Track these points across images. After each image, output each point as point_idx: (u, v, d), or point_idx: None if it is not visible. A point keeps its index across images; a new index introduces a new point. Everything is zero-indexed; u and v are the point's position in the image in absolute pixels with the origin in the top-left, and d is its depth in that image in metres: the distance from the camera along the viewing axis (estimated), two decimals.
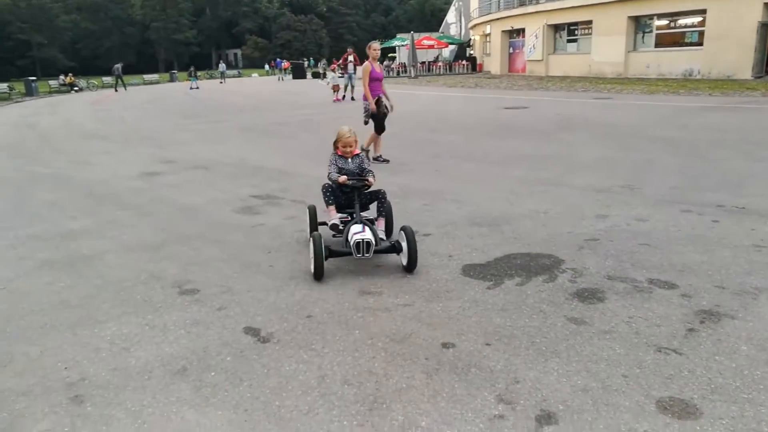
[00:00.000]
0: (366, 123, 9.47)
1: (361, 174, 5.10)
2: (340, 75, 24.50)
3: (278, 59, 64.16)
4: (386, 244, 4.72)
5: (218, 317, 3.96)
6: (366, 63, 9.39)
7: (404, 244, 4.51)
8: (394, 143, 11.44)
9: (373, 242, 4.44)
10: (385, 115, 9.41)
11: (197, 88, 38.97)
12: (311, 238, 4.48)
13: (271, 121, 16.87)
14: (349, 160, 5.16)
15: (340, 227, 4.90)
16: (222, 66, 56.15)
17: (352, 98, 22.96)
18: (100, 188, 8.37)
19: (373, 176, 5.02)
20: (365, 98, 9.38)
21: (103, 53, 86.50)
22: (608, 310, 3.88)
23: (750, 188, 7.00)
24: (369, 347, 3.48)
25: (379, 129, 9.49)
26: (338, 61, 26.97)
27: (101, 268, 5.02)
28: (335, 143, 5.21)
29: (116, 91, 40.61)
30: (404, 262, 4.57)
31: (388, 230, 5.31)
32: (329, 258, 4.48)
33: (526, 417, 2.78)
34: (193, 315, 4.01)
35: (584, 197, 6.87)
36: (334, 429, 2.73)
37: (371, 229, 4.57)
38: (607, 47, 30.15)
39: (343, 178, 4.90)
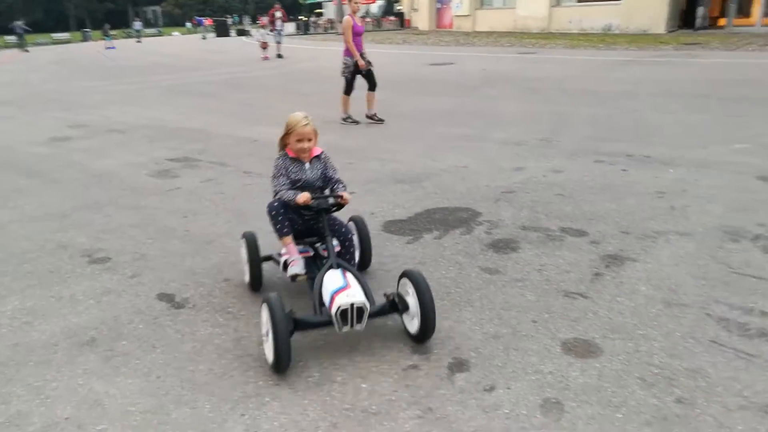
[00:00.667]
0: (347, 78, 9.03)
1: (325, 186, 3.50)
2: (269, 32, 23.60)
3: (199, 17, 61.20)
4: (383, 301, 3.08)
5: (131, 285, 3.83)
6: (347, 17, 9.06)
7: (411, 300, 2.98)
8: (322, 101, 11.27)
9: (367, 306, 2.84)
10: (369, 71, 9.02)
11: (113, 47, 36.78)
12: (264, 303, 2.83)
13: (193, 81, 16.19)
14: (306, 165, 3.44)
15: (302, 274, 3.36)
16: (137, 24, 52.91)
17: (279, 55, 22.31)
18: (2, 155, 7.83)
19: (345, 187, 3.48)
20: (347, 53, 8.92)
21: (5, 9, 79.92)
22: (521, 259, 4.01)
23: (657, 138, 7.34)
24: (287, 307, 3.45)
25: (350, 89, 9.08)
26: (266, 17, 25.81)
27: (2, 239, 4.73)
28: (283, 139, 3.45)
29: (27, 51, 37.84)
30: (412, 328, 3.00)
31: (364, 262, 3.80)
32: (295, 332, 2.85)
33: (439, 366, 2.86)
34: (104, 284, 3.86)
35: (503, 151, 7.01)
36: (250, 390, 2.72)
37: (358, 279, 3.01)
38: (532, 2, 30.47)
39: (304, 197, 3.20)
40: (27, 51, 37.59)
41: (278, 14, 22.98)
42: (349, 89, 9.13)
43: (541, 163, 6.38)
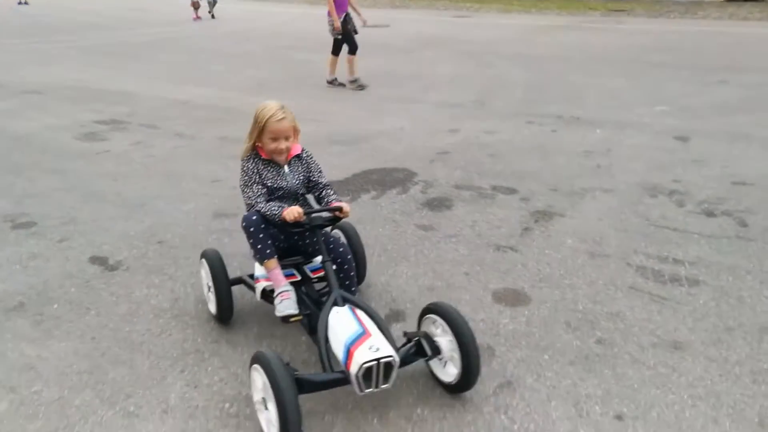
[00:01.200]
0: (336, 38, 8.60)
1: (307, 193, 2.84)
2: None
3: None
4: (405, 345, 2.41)
5: (60, 249, 3.71)
6: None
7: (443, 341, 2.37)
8: (255, 62, 11.00)
9: (397, 360, 2.14)
10: (352, 33, 8.63)
11: (26, 3, 34.25)
12: (256, 365, 2.14)
13: (115, 41, 15.37)
14: (285, 169, 2.73)
15: (296, 314, 2.58)
16: None
17: (212, 16, 21.40)
18: None
19: (336, 194, 2.82)
20: (330, 14, 8.46)
21: None
22: (454, 216, 4.14)
23: (586, 100, 7.62)
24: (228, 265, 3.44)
25: (338, 49, 8.72)
26: None
27: None
28: (251, 135, 2.67)
29: None
30: (446, 375, 2.39)
31: (360, 275, 3.04)
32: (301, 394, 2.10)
33: None
34: (30, 249, 3.72)
35: (439, 113, 7.11)
36: (188, 347, 2.73)
37: (373, 318, 2.34)
38: None
39: (293, 213, 2.48)
40: None
41: None
42: (336, 50, 8.77)
43: (475, 125, 6.51)
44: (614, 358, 2.62)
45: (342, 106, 7.59)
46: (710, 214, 4.12)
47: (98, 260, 3.57)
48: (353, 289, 2.74)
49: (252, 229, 2.55)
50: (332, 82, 8.91)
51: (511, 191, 4.58)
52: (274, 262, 2.62)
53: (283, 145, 2.64)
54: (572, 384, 2.46)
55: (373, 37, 15.25)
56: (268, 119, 2.58)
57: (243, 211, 2.74)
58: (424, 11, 23.24)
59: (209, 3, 21.73)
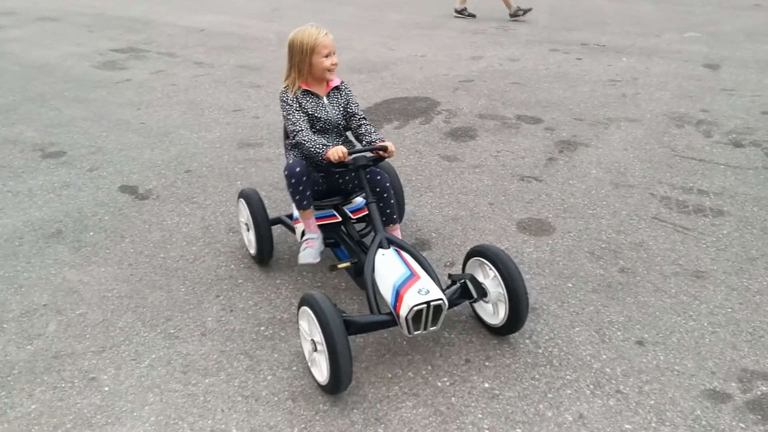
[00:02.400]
0: None
1: (348, 126, 2.71)
2: None
3: None
4: (450, 287, 2.36)
5: (90, 178, 3.79)
6: None
7: (491, 284, 2.32)
8: None
9: (445, 303, 2.11)
10: None
11: None
12: (304, 306, 2.12)
13: None
14: (325, 100, 2.64)
15: (312, 262, 2.60)
16: None
17: None
18: None
19: (374, 128, 2.70)
20: None
21: None
22: (478, 146, 4.13)
23: (611, 26, 7.37)
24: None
25: None
26: None
27: None
28: (296, 66, 2.58)
29: None
30: (493, 318, 2.37)
31: (399, 213, 2.86)
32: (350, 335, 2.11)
33: None
34: (62, 178, 3.80)
35: (461, 39, 6.94)
36: (222, 273, 2.83)
37: (419, 260, 2.33)
38: None
39: (338, 153, 2.39)
40: None
41: None
42: None
43: (498, 52, 6.36)
44: (636, 287, 2.68)
45: (359, 32, 7.43)
46: (738, 144, 4.06)
47: (128, 189, 3.64)
48: (393, 217, 2.68)
49: (293, 180, 2.48)
50: (462, 12, 8.16)
51: (536, 121, 4.53)
52: (310, 212, 2.60)
53: (336, 59, 2.59)
54: (595, 311, 2.53)
55: None
56: (317, 38, 2.51)
57: (267, 141, 2.78)
58: None
59: None
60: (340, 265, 2.49)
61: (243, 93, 5.22)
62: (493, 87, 5.28)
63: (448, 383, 2.16)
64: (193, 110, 4.87)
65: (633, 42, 6.61)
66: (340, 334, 1.96)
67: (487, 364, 2.25)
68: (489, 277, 2.33)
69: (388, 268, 2.25)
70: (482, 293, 2.35)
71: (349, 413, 2.04)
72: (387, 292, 2.20)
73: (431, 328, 2.14)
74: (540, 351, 2.31)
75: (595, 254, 2.92)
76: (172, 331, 2.46)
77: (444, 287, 2.28)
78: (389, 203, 2.65)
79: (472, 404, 2.06)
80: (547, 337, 2.38)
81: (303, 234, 2.66)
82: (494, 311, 2.36)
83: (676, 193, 3.47)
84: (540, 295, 2.64)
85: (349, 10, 8.77)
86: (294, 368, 2.24)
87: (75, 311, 2.59)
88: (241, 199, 2.86)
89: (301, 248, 2.61)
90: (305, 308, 2.12)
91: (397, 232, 2.70)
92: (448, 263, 2.86)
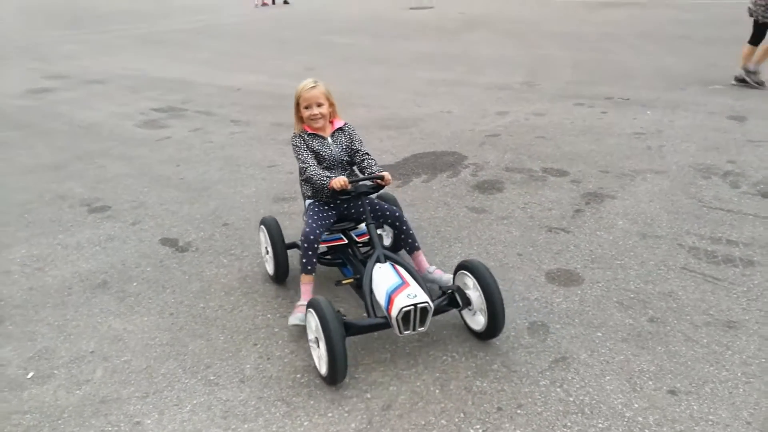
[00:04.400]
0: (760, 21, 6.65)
1: (351, 161, 3.08)
2: None
3: None
4: (439, 296, 2.74)
5: (133, 231, 3.98)
6: None
7: (473, 294, 2.65)
8: (300, 48, 11.17)
9: (431, 306, 2.46)
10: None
11: None
12: (310, 308, 2.50)
13: (163, 29, 15.82)
14: (329, 140, 3.01)
15: (298, 324, 2.78)
16: None
17: (286, 1, 21.05)
18: None
19: (376, 162, 3.02)
20: None
21: None
22: (506, 199, 4.23)
23: (635, 80, 7.52)
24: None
25: (761, 36, 6.83)
26: None
27: (0, 191, 4.80)
28: (295, 112, 3.04)
29: None
30: (476, 324, 2.70)
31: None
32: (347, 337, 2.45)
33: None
34: (107, 231, 4.00)
35: (486, 95, 7.14)
36: (259, 322, 2.93)
37: (411, 273, 2.66)
38: None
39: (339, 182, 2.75)
40: None
41: None
42: (758, 37, 6.86)
43: (524, 107, 6.53)
44: (667, 336, 2.69)
45: (388, 90, 7.70)
46: (766, 195, 4.09)
47: (169, 242, 3.81)
48: (416, 245, 3.03)
49: (306, 245, 2.81)
50: (748, 77, 6.98)
51: (562, 173, 4.63)
52: (310, 278, 2.87)
53: (315, 110, 2.93)
54: (625, 360, 2.55)
55: (416, 20, 15.26)
56: (301, 90, 2.95)
57: (300, 195, 2.90)
58: None
59: None
60: (344, 281, 2.85)
61: (277, 149, 5.45)
62: (519, 141, 5.42)
63: (480, 431, 2.19)
64: (230, 166, 5.09)
65: (657, 95, 6.73)
66: (337, 335, 2.32)
67: (518, 412, 2.28)
68: (472, 288, 2.65)
69: (383, 277, 2.59)
70: (467, 302, 2.67)
71: None
72: (381, 298, 2.54)
73: (419, 329, 2.47)
74: (571, 399, 2.33)
75: (624, 304, 2.95)
76: (212, 378, 2.55)
77: (435, 297, 2.66)
78: (408, 233, 3.03)
79: None
80: (578, 386, 2.40)
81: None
82: (477, 318, 2.68)
83: (705, 244, 3.49)
84: (570, 344, 2.67)
85: (379, 69, 9.11)
86: (329, 414, 2.30)
87: (120, 358, 2.71)
88: (262, 226, 3.27)
89: (293, 312, 2.83)
90: (311, 310, 2.46)
91: (421, 257, 3.07)
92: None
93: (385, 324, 2.52)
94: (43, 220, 4.22)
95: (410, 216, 4.00)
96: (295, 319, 2.80)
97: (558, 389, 2.39)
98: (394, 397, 2.39)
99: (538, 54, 9.61)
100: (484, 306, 2.58)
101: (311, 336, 2.55)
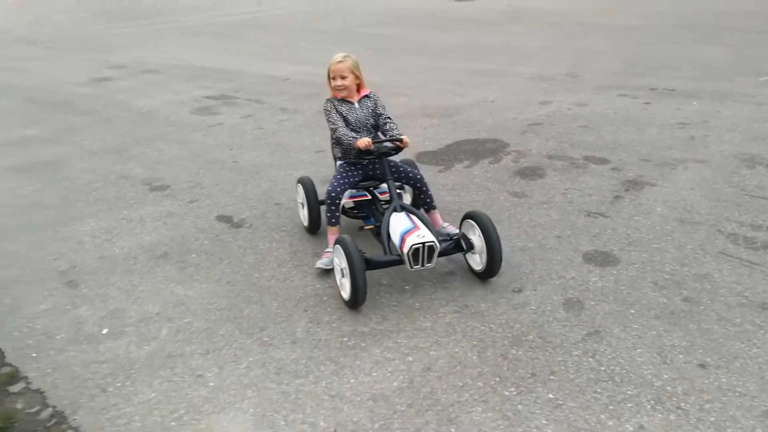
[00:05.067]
0: None
1: (376, 124, 3.47)
2: None
3: None
4: (447, 241, 3.18)
5: (191, 209, 4.25)
6: None
7: (475, 240, 3.09)
8: (341, 39, 11.38)
9: (437, 245, 2.91)
10: None
11: None
12: (337, 245, 2.94)
13: (210, 21, 16.26)
14: (356, 105, 3.42)
15: (325, 268, 3.29)
16: None
17: None
18: (49, 96, 8.21)
19: (397, 126, 3.43)
20: None
21: None
22: (546, 185, 4.33)
23: (680, 71, 7.45)
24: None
25: None
26: None
27: (67, 172, 5.15)
28: (328, 83, 3.42)
29: None
30: (477, 266, 3.13)
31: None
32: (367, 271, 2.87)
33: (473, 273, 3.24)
34: (167, 208, 4.28)
35: (530, 85, 7.20)
36: (309, 291, 3.14)
37: (422, 220, 3.07)
38: None
39: (364, 142, 3.17)
40: None
41: None
42: None
43: (567, 97, 6.58)
44: (700, 315, 2.78)
45: (430, 79, 7.83)
46: None
47: (224, 218, 4.07)
48: (433, 204, 3.49)
49: (329, 202, 3.32)
50: None
51: (603, 161, 4.70)
52: (335, 230, 3.34)
53: (339, 82, 3.34)
54: (657, 335, 2.66)
55: (461, 11, 15.29)
56: (331, 63, 3.37)
57: None
58: None
59: None
60: (366, 227, 3.41)
61: (325, 136, 5.61)
62: (561, 130, 5.49)
63: (515, 393, 2.35)
64: (280, 151, 5.33)
65: (703, 86, 6.67)
66: (359, 267, 2.78)
67: (551, 378, 2.42)
68: (475, 234, 3.08)
69: (398, 222, 3.03)
70: (470, 246, 3.11)
71: (423, 414, 2.26)
72: (396, 238, 2.99)
73: (427, 265, 2.92)
74: (602, 368, 2.46)
75: (659, 284, 3.04)
76: (266, 339, 2.77)
77: (442, 239, 3.10)
78: (427, 193, 3.47)
79: (537, 411, 2.24)
80: (609, 357, 2.53)
81: (343, 209, 3.53)
82: (478, 259, 3.11)
83: (745, 230, 3.54)
84: (603, 319, 2.79)
85: (421, 60, 9.24)
86: (374, 374, 2.49)
87: (182, 320, 2.96)
88: (299, 184, 3.78)
89: (322, 257, 3.34)
90: (338, 246, 2.92)
91: (437, 215, 3.53)
92: (516, 289, 3.07)
93: (399, 261, 2.96)
94: (108, 198, 4.53)
95: (451, 199, 4.16)
96: (321, 263, 3.28)
97: (590, 359, 2.53)
98: (433, 360, 2.57)
99: (582, 45, 9.57)
100: (484, 249, 3.02)
101: (337, 269, 3.03)
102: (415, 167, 3.75)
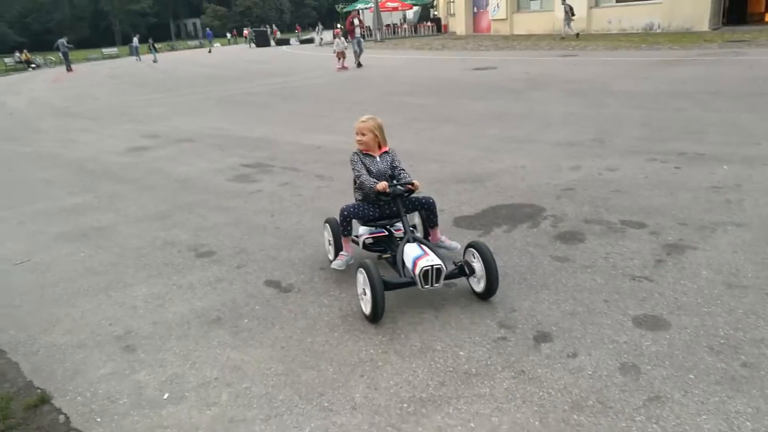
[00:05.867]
0: None
1: (393, 175, 4.11)
2: (348, 41, 22.04)
3: (209, 31, 62.51)
4: (453, 266, 3.74)
5: (239, 274, 4.35)
6: None
7: (476, 266, 3.63)
8: (372, 108, 11.74)
9: (444, 268, 3.47)
10: None
11: (156, 61, 38.39)
12: (360, 269, 3.50)
13: (243, 92, 16.93)
14: (377, 158, 4.10)
15: (340, 269, 4.08)
16: (136, 41, 45.45)
17: (359, 64, 21.46)
18: (91, 164, 8.55)
19: (409, 175, 4.08)
20: None
21: (54, 27, 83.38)
22: (588, 249, 4.38)
23: (709, 136, 7.57)
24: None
25: None
26: (345, 25, 24.12)
27: (115, 238, 5.33)
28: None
29: (70, 70, 35.16)
30: (478, 288, 3.67)
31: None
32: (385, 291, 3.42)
33: (525, 337, 3.26)
34: (215, 273, 4.39)
35: (558, 151, 7.36)
36: (363, 356, 3.18)
37: (432, 249, 3.63)
38: (570, 3, 30.48)
39: (382, 185, 3.79)
40: (70, 70, 35.12)
41: (356, 21, 22.36)
42: None
43: (596, 163, 6.70)
44: (762, 380, 2.76)
45: (460, 147, 8.03)
46: None
47: (272, 283, 4.16)
48: (436, 221, 4.17)
49: (342, 216, 4.05)
50: None
51: (640, 225, 4.76)
52: (348, 239, 4.11)
53: (360, 138, 4.05)
54: (720, 401, 2.64)
55: (480, 79, 15.76)
56: (357, 123, 4.09)
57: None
58: (528, 51, 23.54)
59: (356, 52, 21.62)
60: (384, 256, 4.09)
61: None
62: (594, 194, 5.58)
63: None
64: (320, 217, 5.43)
65: (733, 150, 6.77)
66: (379, 287, 3.34)
67: None
68: (475, 260, 3.62)
69: (411, 250, 3.61)
70: (472, 271, 3.67)
71: None
72: (408, 262, 3.57)
73: (435, 285, 3.48)
74: None
75: (714, 349, 3.04)
76: (326, 405, 2.80)
77: (449, 267, 3.65)
78: (433, 212, 4.14)
79: None
80: (674, 423, 2.51)
81: (364, 244, 4.23)
82: (479, 283, 3.65)
83: None
84: (662, 384, 2.78)
85: (449, 128, 9.50)
86: None
87: (241, 385, 3.00)
88: (326, 224, 4.44)
89: (338, 258, 4.09)
90: (361, 269, 3.49)
91: (437, 231, 4.23)
92: (570, 354, 3.08)
93: (412, 282, 3.52)
94: (157, 263, 4.66)
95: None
96: (335, 264, 4.08)
97: (654, 425, 2.51)
98: (496, 427, 2.57)
99: (605, 112, 9.79)
100: (483, 274, 3.56)
101: (359, 288, 3.59)
102: (433, 205, 4.21)
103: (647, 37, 24.00)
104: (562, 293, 3.74)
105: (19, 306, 4.09)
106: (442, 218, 4.84)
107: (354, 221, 4.10)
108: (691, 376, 2.83)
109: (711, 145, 7.12)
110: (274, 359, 3.22)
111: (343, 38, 21.30)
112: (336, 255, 4.22)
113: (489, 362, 3.06)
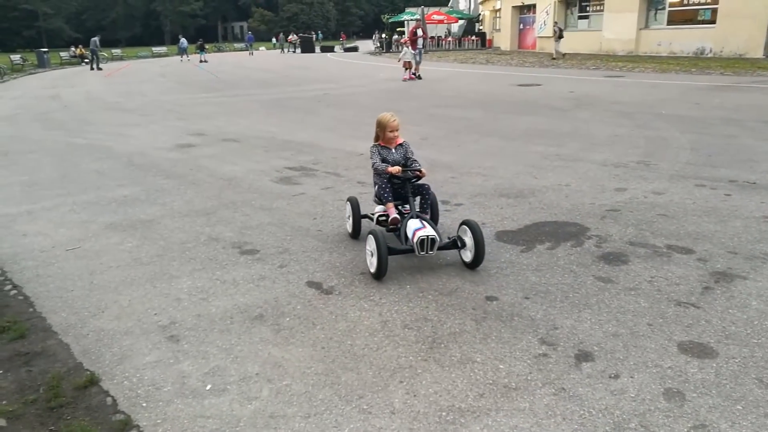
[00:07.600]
0: None
1: (406, 164, 4.76)
2: (412, 51, 21.48)
3: (250, 35, 63.52)
4: (447, 240, 4.50)
5: (281, 273, 4.42)
6: None
7: (467, 240, 4.31)
8: (416, 119, 11.79)
9: (438, 239, 4.20)
10: None
11: (205, 61, 39.29)
12: (370, 235, 4.18)
13: (287, 96, 17.18)
14: (393, 150, 4.76)
15: (383, 220, 4.76)
16: (183, 42, 46.28)
17: (419, 77, 21.05)
18: (140, 159, 8.80)
19: (420, 165, 4.72)
20: None
21: (108, 24, 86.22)
22: (632, 271, 4.32)
23: (760, 165, 7.38)
24: (421, 299, 3.94)
25: None
26: (410, 35, 23.24)
27: (161, 230, 5.47)
28: (377, 133, 4.80)
29: (92, 69, 34.60)
30: (467, 258, 4.36)
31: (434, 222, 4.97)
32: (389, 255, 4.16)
33: (567, 355, 3.23)
34: (258, 271, 4.47)
35: (603, 172, 7.27)
36: (403, 362, 3.19)
37: (430, 224, 4.34)
38: (619, 24, 30.15)
39: (395, 169, 4.52)
40: (92, 69, 34.54)
41: (419, 32, 21.85)
42: None
43: (642, 185, 6.60)
44: None
45: (503, 161, 8.00)
46: None
47: (314, 284, 4.21)
48: (427, 208, 4.78)
49: (380, 185, 4.71)
50: None
51: (687, 251, 4.66)
52: (391, 204, 4.67)
53: (395, 134, 4.71)
54: None
55: (525, 96, 15.68)
56: (387, 121, 4.70)
57: None
58: (574, 70, 23.33)
59: (416, 63, 21.09)
60: (391, 227, 4.64)
61: None
62: (640, 217, 5.50)
63: None
64: (365, 222, 5.50)
65: None
66: (384, 251, 4.07)
67: None
68: (467, 235, 4.32)
69: (413, 224, 4.32)
70: (463, 244, 4.37)
71: None
72: (410, 233, 4.27)
73: (430, 252, 4.22)
74: None
75: (765, 381, 2.96)
76: (365, 407, 2.82)
77: (444, 240, 4.46)
78: (426, 201, 4.76)
79: None
80: None
81: (377, 220, 4.82)
82: (468, 253, 4.34)
83: None
84: (709, 413, 2.72)
85: (493, 142, 9.48)
86: None
87: (282, 382, 3.05)
88: (348, 202, 5.13)
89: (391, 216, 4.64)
90: (371, 236, 4.17)
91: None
92: (612, 375, 3.04)
93: (411, 250, 4.23)
94: (201, 258, 4.77)
95: (537, 280, 4.19)
96: (394, 213, 4.65)
97: None
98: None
99: (653, 135, 9.63)
100: (472, 246, 4.25)
101: (369, 250, 4.26)
102: (428, 190, 4.82)
103: (698, 62, 23.54)
104: (605, 314, 3.69)
105: (71, 290, 4.22)
106: (484, 231, 4.82)
107: (373, 201, 4.96)
108: (739, 407, 2.76)
109: (763, 174, 6.94)
110: (314, 359, 3.26)
111: (410, 48, 20.95)
112: (354, 228, 5.04)
113: (529, 377, 3.04)
